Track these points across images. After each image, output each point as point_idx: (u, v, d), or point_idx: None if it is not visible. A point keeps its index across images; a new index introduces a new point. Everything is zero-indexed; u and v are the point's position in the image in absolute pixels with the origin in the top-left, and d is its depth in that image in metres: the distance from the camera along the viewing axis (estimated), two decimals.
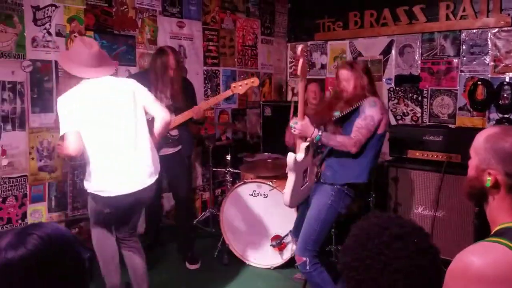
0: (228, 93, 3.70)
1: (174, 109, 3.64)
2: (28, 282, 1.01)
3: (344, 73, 2.91)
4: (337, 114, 2.90)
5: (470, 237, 3.44)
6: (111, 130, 2.64)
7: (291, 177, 2.79)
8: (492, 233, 1.35)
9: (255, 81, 3.58)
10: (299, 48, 2.68)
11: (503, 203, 1.35)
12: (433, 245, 1.16)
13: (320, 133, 2.78)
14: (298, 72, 2.71)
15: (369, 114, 2.79)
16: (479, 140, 1.40)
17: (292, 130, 2.83)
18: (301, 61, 2.67)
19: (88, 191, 2.72)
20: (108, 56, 2.97)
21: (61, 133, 2.56)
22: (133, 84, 2.82)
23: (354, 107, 2.84)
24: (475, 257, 1.21)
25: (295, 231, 3.17)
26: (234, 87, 3.60)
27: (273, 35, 5.89)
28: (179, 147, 3.77)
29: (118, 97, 2.70)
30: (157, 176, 2.84)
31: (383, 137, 2.95)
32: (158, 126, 2.85)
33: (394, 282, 1.10)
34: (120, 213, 2.82)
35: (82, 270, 1.12)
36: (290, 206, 2.98)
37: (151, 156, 2.79)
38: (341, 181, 2.88)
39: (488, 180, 1.34)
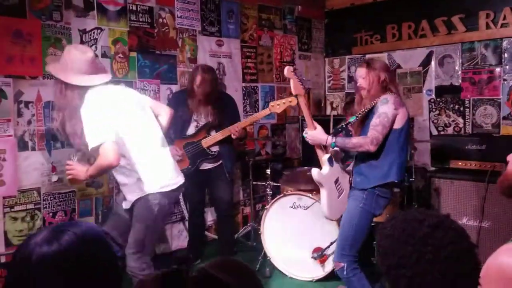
0: (266, 112, 3.77)
1: (211, 126, 3.76)
2: (61, 276, 1.04)
3: (361, 71, 2.93)
4: (352, 119, 2.90)
5: None
6: (148, 131, 2.75)
7: (323, 191, 2.85)
8: None
9: (293, 101, 3.62)
10: (286, 70, 2.84)
11: None
12: (462, 227, 1.19)
13: (334, 139, 2.79)
14: (293, 92, 2.87)
15: (382, 111, 2.77)
16: None
17: (306, 140, 2.92)
18: (292, 81, 2.80)
19: (149, 192, 2.66)
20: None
21: (95, 144, 2.41)
22: (134, 90, 3.05)
23: (367, 108, 2.85)
24: (510, 259, 1.21)
25: None
26: (272, 106, 3.67)
27: (310, 51, 5.95)
28: (220, 162, 3.88)
29: (137, 100, 2.81)
30: None
31: (404, 132, 2.87)
32: (165, 120, 2.99)
33: (446, 269, 1.12)
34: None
35: (115, 267, 1.16)
36: (332, 218, 2.99)
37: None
38: (370, 185, 2.86)
39: None
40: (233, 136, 3.75)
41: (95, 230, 1.14)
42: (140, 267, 2.70)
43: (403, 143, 2.89)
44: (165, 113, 2.98)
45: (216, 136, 3.75)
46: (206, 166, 3.84)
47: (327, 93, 6.12)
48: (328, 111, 6.07)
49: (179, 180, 2.82)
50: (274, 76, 5.45)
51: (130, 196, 2.73)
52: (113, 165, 2.45)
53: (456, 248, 1.13)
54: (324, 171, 2.81)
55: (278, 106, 3.64)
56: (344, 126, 2.93)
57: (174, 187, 2.75)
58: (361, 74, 2.92)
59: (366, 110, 2.87)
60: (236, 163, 4.81)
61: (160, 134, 2.84)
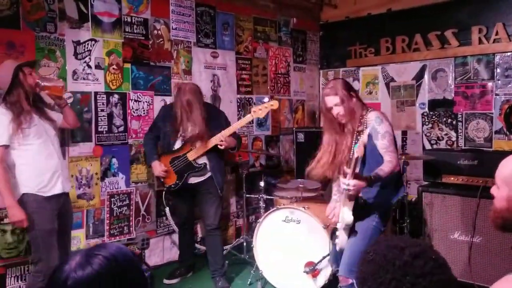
0: (249, 118, 3.74)
1: (196, 139, 3.69)
2: None
3: (333, 99, 2.83)
4: (356, 148, 2.68)
5: (509, 262, 3.32)
6: None
7: (346, 233, 2.79)
8: None
9: (274, 104, 3.62)
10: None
11: None
12: (443, 258, 1.19)
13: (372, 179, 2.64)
14: None
15: (385, 130, 2.75)
16: (507, 169, 1.35)
17: (347, 192, 2.63)
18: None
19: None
20: None
21: None
22: None
23: (361, 131, 2.74)
24: None
25: (334, 258, 3.12)
26: (254, 111, 3.65)
27: (305, 63, 5.98)
28: (208, 175, 3.81)
29: None
30: None
31: None
32: None
33: None
34: None
35: (146, 286, 1.20)
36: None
37: None
38: (387, 203, 2.89)
39: None
40: (220, 147, 3.69)
41: (124, 251, 1.18)
42: None
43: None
44: None
45: (201, 147, 3.70)
46: (195, 180, 3.80)
47: (321, 105, 6.13)
48: (322, 123, 6.06)
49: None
50: (269, 87, 5.47)
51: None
52: None
53: (433, 279, 1.12)
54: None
55: (260, 111, 3.63)
56: (357, 160, 2.66)
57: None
58: (335, 102, 2.82)
59: (360, 134, 2.76)
60: (228, 176, 4.80)
61: None
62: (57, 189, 3.07)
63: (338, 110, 2.83)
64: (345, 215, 2.71)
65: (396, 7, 5.22)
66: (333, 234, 3.28)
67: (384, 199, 2.88)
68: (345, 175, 2.60)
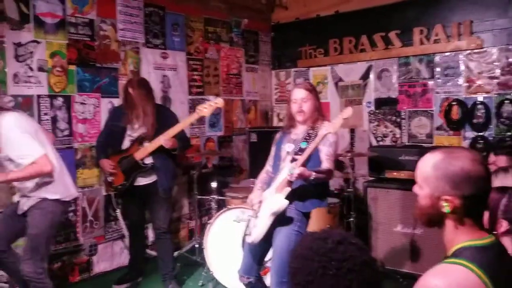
0: (194, 116, 3.71)
1: (144, 138, 3.66)
2: None
3: (303, 93, 2.91)
4: (304, 145, 2.80)
5: None
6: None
7: (270, 220, 2.74)
8: (450, 254, 1.39)
9: (219, 102, 3.63)
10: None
11: (461, 224, 1.38)
12: (361, 241, 1.28)
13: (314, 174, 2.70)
14: None
15: (334, 141, 2.83)
16: (426, 169, 1.41)
17: (291, 176, 2.64)
18: None
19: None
20: None
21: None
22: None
23: (313, 135, 2.81)
24: (437, 280, 1.27)
25: (247, 269, 3.03)
26: (200, 110, 3.65)
27: (257, 63, 6.03)
28: (154, 177, 3.76)
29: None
30: None
31: None
32: None
33: (350, 282, 1.18)
34: None
35: None
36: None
37: None
38: (308, 208, 2.87)
39: (446, 206, 1.37)
40: (166, 146, 3.63)
41: None
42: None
43: None
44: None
45: (147, 147, 3.65)
46: (142, 181, 3.75)
47: (274, 104, 6.22)
48: (275, 123, 6.16)
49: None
50: (221, 88, 5.49)
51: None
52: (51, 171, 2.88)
53: (357, 261, 1.21)
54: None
55: (205, 109, 3.63)
56: (312, 152, 2.73)
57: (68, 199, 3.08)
58: (302, 96, 2.91)
59: (312, 137, 2.81)
60: (177, 177, 4.72)
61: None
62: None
63: (301, 105, 2.89)
64: (278, 201, 2.69)
65: (343, 9, 5.35)
66: (243, 239, 3.28)
67: (307, 205, 2.87)
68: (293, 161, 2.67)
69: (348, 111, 2.68)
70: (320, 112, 2.96)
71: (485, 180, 1.37)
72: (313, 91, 2.97)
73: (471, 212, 1.38)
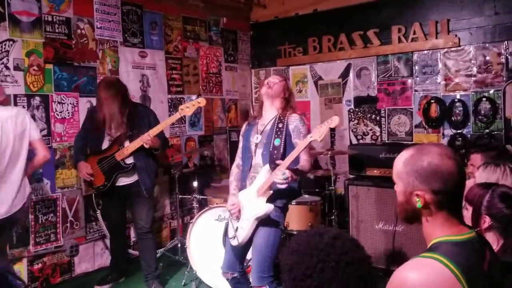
0: (177, 116, 3.68)
1: (124, 138, 3.63)
2: None
3: (276, 78, 3.00)
4: (277, 142, 2.83)
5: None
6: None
7: (254, 224, 2.79)
8: (427, 248, 1.40)
9: (201, 101, 3.61)
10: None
11: (435, 219, 1.40)
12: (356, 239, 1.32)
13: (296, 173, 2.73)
14: None
15: (306, 133, 2.83)
16: (399, 165, 1.44)
17: (284, 184, 2.64)
18: None
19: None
20: None
21: None
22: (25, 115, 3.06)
23: (278, 123, 2.86)
24: (411, 273, 1.28)
25: (230, 265, 3.05)
26: (182, 109, 3.62)
27: (237, 62, 6.02)
28: (135, 177, 3.72)
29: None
30: None
31: None
32: (36, 159, 3.18)
33: (348, 276, 1.20)
34: None
35: None
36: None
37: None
38: (286, 206, 2.91)
39: (418, 201, 1.38)
40: (146, 146, 3.58)
41: None
42: None
43: None
44: (40, 155, 3.16)
45: (128, 147, 3.62)
46: (123, 181, 3.71)
47: (254, 103, 6.22)
48: None
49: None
50: (200, 87, 5.46)
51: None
52: None
53: (355, 255, 1.23)
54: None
55: (187, 108, 3.61)
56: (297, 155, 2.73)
57: None
58: (275, 81, 2.97)
59: (282, 131, 2.84)
60: (158, 177, 4.69)
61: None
62: None
63: (271, 85, 2.94)
64: (262, 206, 2.73)
65: (321, 8, 5.38)
66: (225, 236, 3.29)
67: (283, 199, 2.90)
68: (275, 166, 2.67)
69: (335, 120, 2.64)
70: (289, 104, 2.97)
71: (454, 174, 1.36)
72: (285, 81, 3.01)
73: (445, 207, 1.38)
